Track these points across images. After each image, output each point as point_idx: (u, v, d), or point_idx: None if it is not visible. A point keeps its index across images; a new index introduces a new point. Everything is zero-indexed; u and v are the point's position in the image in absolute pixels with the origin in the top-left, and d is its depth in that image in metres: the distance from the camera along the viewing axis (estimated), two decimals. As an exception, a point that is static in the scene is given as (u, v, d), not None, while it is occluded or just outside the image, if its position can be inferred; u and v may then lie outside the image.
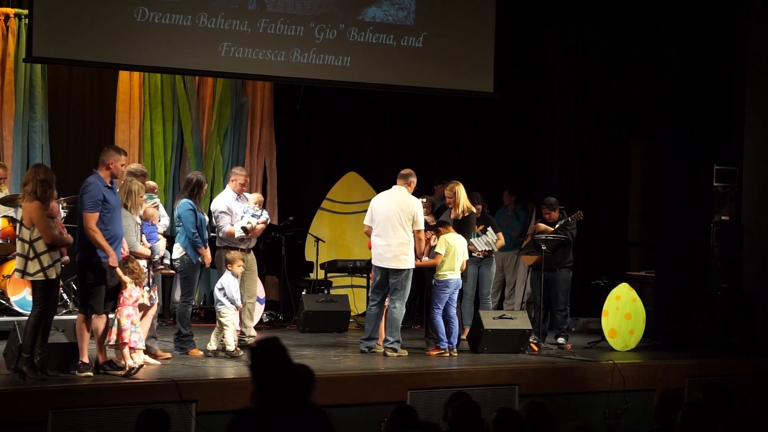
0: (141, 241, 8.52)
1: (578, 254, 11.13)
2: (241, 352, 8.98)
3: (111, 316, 8.24)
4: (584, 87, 12.86)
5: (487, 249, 10.66)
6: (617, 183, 13.10)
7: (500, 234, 10.84)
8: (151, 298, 8.48)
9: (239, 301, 9.17)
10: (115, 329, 8.13)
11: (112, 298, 8.07)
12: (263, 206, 10.05)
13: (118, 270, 7.93)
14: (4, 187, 10.49)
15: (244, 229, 9.50)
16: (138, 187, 8.51)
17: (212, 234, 9.95)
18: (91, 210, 7.80)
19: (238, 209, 9.66)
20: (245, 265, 9.60)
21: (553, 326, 10.75)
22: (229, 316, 9.10)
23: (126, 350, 8.04)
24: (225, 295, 9.11)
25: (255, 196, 9.88)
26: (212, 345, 9.13)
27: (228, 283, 9.16)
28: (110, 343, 8.15)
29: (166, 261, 8.98)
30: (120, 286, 8.08)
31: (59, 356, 7.93)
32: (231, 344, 9.04)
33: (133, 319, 8.14)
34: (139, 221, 8.57)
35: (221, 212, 9.62)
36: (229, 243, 9.58)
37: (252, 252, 9.82)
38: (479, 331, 9.88)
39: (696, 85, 11.24)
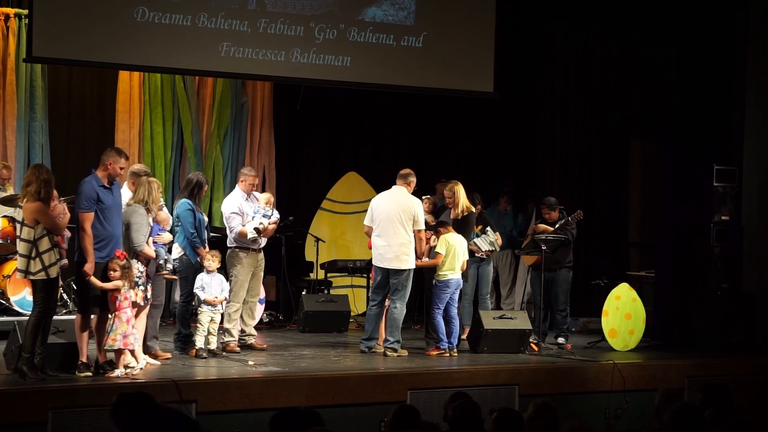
0: (147, 243, 8.48)
1: (578, 254, 11.13)
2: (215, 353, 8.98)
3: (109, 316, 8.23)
4: (584, 87, 12.86)
5: (491, 249, 10.66)
6: (617, 183, 13.10)
7: (497, 234, 10.85)
8: (145, 298, 8.41)
9: (204, 295, 9.02)
10: (116, 335, 7.89)
11: (106, 298, 8.03)
12: (274, 206, 10.01)
13: (93, 278, 7.82)
14: (9, 187, 10.50)
15: (256, 230, 9.47)
16: (158, 185, 8.56)
17: (213, 234, 9.93)
18: (85, 209, 7.79)
19: (249, 209, 9.63)
20: (255, 264, 9.60)
21: (553, 326, 10.75)
22: (200, 316, 9.04)
23: (128, 354, 7.99)
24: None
25: (265, 196, 9.83)
26: (212, 344, 9.11)
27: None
28: (113, 348, 7.92)
29: (169, 266, 8.93)
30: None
31: (59, 356, 7.94)
32: (198, 343, 8.98)
33: (133, 322, 8.08)
34: (152, 223, 8.55)
35: (232, 213, 9.59)
36: (241, 243, 9.56)
37: (262, 252, 9.80)
38: (479, 331, 9.88)
39: (696, 85, 11.24)
